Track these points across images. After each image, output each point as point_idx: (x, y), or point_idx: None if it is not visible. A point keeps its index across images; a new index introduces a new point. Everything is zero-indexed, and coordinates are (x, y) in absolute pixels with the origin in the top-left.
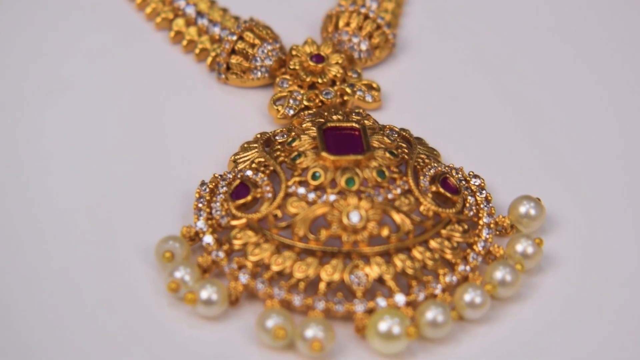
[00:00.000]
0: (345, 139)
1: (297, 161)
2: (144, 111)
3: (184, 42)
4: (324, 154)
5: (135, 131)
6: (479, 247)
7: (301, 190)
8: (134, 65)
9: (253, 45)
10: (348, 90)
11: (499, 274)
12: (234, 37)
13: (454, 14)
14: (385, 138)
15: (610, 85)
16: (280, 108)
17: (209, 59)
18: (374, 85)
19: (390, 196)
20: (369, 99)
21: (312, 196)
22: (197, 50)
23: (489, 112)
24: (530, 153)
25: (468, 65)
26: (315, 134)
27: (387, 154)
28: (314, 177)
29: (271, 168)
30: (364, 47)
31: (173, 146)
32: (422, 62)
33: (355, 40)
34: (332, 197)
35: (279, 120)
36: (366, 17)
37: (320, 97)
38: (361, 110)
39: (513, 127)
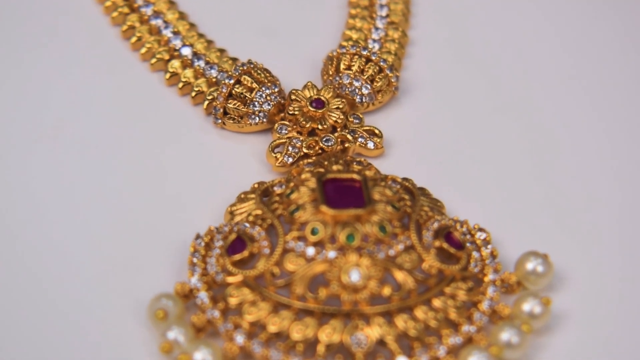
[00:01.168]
0: (345, 191)
1: (296, 215)
2: (138, 157)
3: (180, 85)
4: (323, 208)
5: (128, 178)
6: (484, 306)
7: (300, 245)
8: (127, 108)
9: (251, 90)
10: (349, 137)
11: (505, 335)
12: (231, 81)
13: (460, 55)
14: (387, 190)
15: (628, 138)
16: (278, 156)
17: (206, 103)
18: (376, 131)
19: (391, 252)
20: (370, 146)
21: (311, 252)
22: (193, 93)
23: (496, 160)
24: (538, 204)
25: (474, 109)
26: (314, 186)
27: (389, 208)
28: (313, 232)
29: (269, 221)
30: (365, 91)
31: (167, 194)
32: (426, 106)
33: (356, 84)
34: (332, 254)
35: (277, 168)
36: (368, 59)
37: (320, 144)
38: (362, 160)
39: (520, 176)
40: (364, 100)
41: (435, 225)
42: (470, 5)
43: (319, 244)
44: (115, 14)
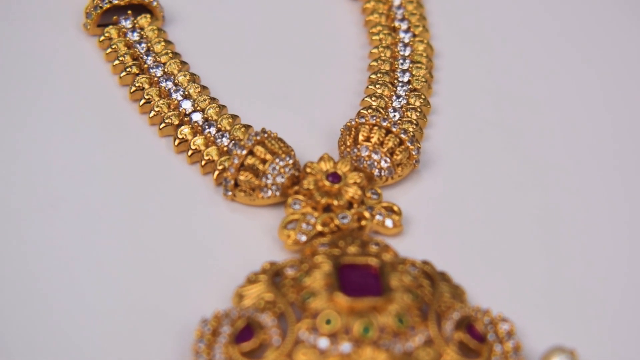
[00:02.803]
0: (361, 277)
1: (309, 302)
2: (141, 229)
3: (189, 152)
4: (338, 296)
5: (129, 252)
6: None
7: (312, 336)
8: (132, 176)
9: (264, 161)
10: (366, 214)
11: None
12: (244, 152)
13: (485, 125)
14: (405, 276)
15: None
16: (291, 233)
17: (216, 173)
18: (395, 208)
19: (409, 346)
20: (389, 224)
21: (323, 344)
22: (203, 162)
23: (521, 242)
24: (565, 291)
25: (498, 184)
26: (328, 270)
27: (407, 296)
28: (327, 322)
29: (280, 308)
30: (385, 164)
31: (171, 271)
32: (448, 180)
33: (375, 157)
34: (346, 347)
35: (289, 246)
36: (388, 131)
37: (336, 222)
38: (380, 240)
39: (546, 261)
40: (382, 174)
41: (456, 315)
42: (497, 73)
43: (332, 335)
44: (123, 73)
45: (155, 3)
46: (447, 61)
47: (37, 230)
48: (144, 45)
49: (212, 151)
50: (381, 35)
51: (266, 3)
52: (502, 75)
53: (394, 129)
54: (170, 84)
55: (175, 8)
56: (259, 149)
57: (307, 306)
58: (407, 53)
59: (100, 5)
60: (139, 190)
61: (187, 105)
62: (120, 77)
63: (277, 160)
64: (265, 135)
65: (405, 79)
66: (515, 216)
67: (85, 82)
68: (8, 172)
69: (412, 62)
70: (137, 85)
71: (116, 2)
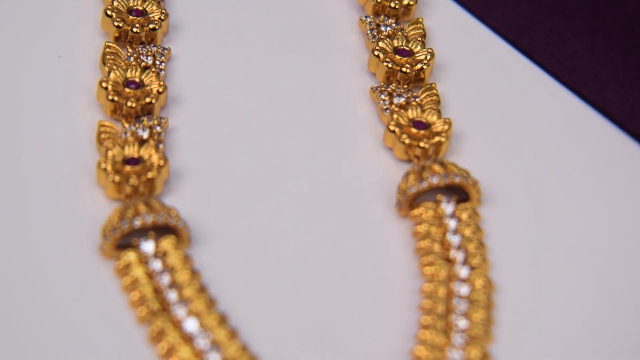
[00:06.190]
0: None
1: None
2: None
3: None
4: None
5: None
6: None
7: None
8: None
9: None
10: None
11: None
12: None
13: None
14: None
15: None
16: None
17: None
18: None
19: None
20: None
21: None
22: None
23: None
24: None
25: None
26: None
27: None
28: None
29: None
30: None
31: None
32: None
33: None
34: None
35: None
36: None
37: None
38: None
39: None
40: None
41: None
42: (564, 309)
43: None
44: (143, 312)
45: (182, 225)
46: (509, 297)
47: None
48: (166, 276)
49: None
50: (434, 269)
51: (306, 238)
52: (572, 313)
53: None
54: (195, 326)
55: (202, 225)
56: None
57: None
58: (463, 291)
59: (121, 228)
60: None
61: (214, 358)
62: (140, 317)
63: None
64: None
65: (463, 326)
66: None
67: (98, 317)
68: None
69: (470, 301)
70: (157, 326)
71: (137, 226)
